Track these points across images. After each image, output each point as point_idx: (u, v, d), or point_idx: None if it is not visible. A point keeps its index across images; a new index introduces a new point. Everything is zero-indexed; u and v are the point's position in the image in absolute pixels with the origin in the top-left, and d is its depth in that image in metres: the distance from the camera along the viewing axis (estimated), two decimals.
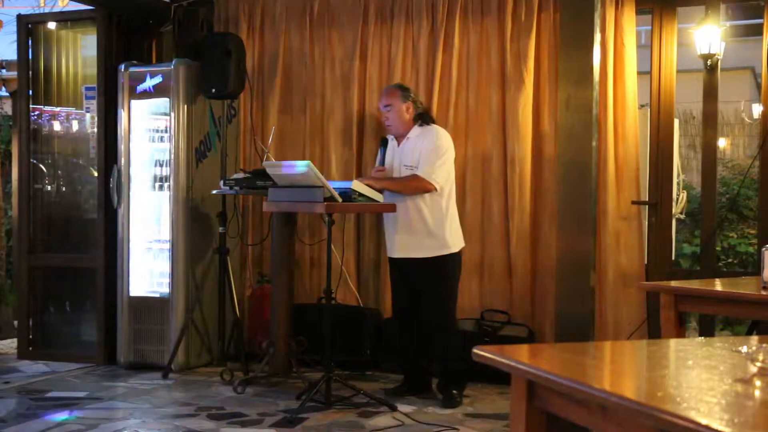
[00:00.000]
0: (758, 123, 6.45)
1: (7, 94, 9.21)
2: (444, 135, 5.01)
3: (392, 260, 5.15)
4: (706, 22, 5.44)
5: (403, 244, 5.00)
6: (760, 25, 5.44)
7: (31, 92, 6.32)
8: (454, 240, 5.00)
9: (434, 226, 4.92)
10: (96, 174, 6.14)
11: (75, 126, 6.60)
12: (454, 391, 4.97)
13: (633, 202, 5.55)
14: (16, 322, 6.63)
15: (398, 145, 5.05)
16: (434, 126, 5.06)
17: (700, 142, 6.04)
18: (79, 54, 6.55)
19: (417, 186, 4.88)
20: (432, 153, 4.90)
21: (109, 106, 6.00)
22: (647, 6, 5.66)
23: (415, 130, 5.01)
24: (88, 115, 6.35)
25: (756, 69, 10.10)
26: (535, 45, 5.61)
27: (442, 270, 4.97)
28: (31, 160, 6.33)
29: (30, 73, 6.31)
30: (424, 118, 5.05)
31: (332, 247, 5.00)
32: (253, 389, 5.23)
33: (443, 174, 4.92)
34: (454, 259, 5.01)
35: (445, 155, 4.95)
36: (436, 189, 4.88)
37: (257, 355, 5.63)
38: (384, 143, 5.14)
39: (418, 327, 5.07)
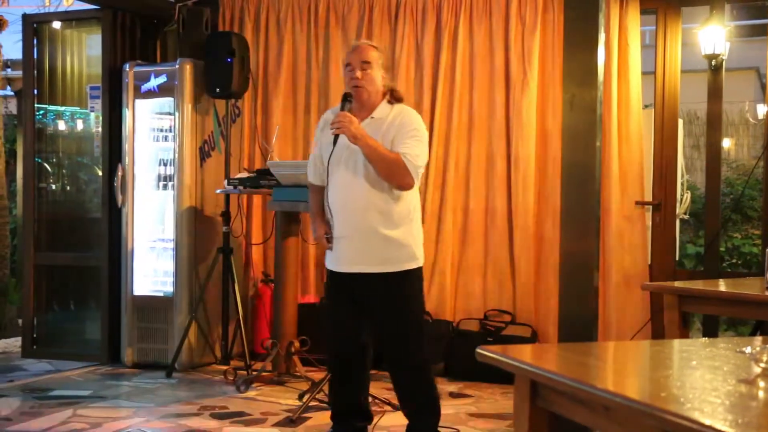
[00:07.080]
0: (763, 123, 6.44)
1: (13, 93, 9.25)
2: (421, 119, 3.85)
3: (334, 274, 3.86)
4: (711, 22, 5.43)
5: (354, 253, 3.75)
6: (765, 26, 5.45)
7: (36, 91, 6.33)
8: (420, 250, 3.83)
9: (400, 231, 3.73)
10: (100, 173, 6.15)
11: (80, 125, 6.61)
12: None
13: (637, 203, 5.55)
14: (20, 321, 6.64)
15: (359, 121, 3.70)
16: (407, 107, 3.88)
17: (705, 142, 6.03)
18: (83, 53, 6.56)
19: (399, 174, 3.65)
20: (414, 141, 3.70)
21: (114, 106, 6.00)
22: (652, 6, 5.66)
23: (384, 108, 3.79)
24: (92, 115, 6.36)
25: (761, 69, 10.09)
26: (539, 45, 5.62)
27: (408, 290, 3.79)
28: (36, 159, 6.34)
29: (35, 72, 6.32)
30: (393, 94, 3.84)
31: None
32: (257, 388, 5.24)
33: (422, 169, 3.78)
34: (420, 275, 3.85)
35: (425, 145, 3.80)
36: (411, 187, 3.75)
37: (260, 355, 5.63)
38: (349, 99, 3.74)
39: (364, 370, 3.97)
